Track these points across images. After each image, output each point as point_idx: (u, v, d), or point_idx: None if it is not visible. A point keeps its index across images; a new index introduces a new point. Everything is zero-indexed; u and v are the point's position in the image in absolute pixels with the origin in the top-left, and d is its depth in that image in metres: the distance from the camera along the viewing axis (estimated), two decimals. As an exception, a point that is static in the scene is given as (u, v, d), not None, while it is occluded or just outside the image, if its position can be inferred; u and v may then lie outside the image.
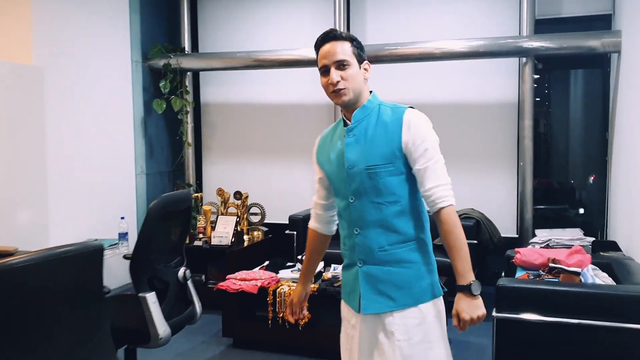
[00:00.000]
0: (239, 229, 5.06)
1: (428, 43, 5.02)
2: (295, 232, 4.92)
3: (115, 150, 5.37)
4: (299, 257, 4.31)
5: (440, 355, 1.94)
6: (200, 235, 5.04)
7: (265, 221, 5.46)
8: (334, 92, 1.98)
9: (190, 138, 5.90)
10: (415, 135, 1.92)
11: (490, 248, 4.88)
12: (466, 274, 1.87)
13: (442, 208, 1.93)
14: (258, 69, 5.55)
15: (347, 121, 2.03)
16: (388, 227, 1.94)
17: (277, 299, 3.88)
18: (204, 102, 6.15)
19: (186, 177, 5.97)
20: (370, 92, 2.09)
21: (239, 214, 5.20)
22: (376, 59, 5.20)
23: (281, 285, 3.97)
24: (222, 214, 5.21)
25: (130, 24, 5.54)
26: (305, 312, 1.97)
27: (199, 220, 5.15)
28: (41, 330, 1.97)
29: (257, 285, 3.95)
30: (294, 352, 3.92)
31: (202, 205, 5.38)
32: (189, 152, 5.94)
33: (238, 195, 5.26)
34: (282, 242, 5.14)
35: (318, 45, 2.05)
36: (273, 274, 4.13)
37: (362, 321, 1.98)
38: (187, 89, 5.82)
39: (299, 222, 4.86)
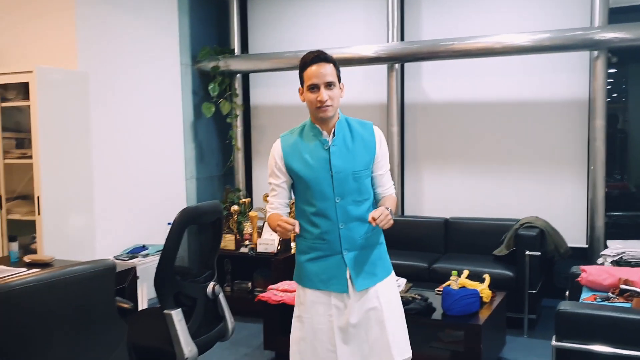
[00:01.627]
0: (286, 236, 4.87)
1: (488, 37, 4.70)
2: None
3: (164, 155, 5.32)
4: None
5: (402, 310, 2.51)
6: (247, 242, 4.90)
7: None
8: (321, 107, 2.32)
9: (239, 142, 5.78)
10: (383, 149, 2.46)
11: (556, 260, 4.48)
12: (390, 208, 2.33)
13: (393, 193, 2.52)
14: (307, 69, 5.34)
15: (324, 131, 2.39)
16: (364, 219, 2.36)
17: (320, 313, 3.66)
18: (253, 105, 6.02)
19: (236, 182, 5.87)
20: None
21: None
22: (432, 55, 4.93)
23: (325, 298, 3.74)
24: (269, 220, 5.04)
25: (179, 27, 5.48)
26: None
27: (246, 227, 5.01)
28: (45, 355, 1.84)
29: (299, 297, 3.74)
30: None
31: (249, 210, 5.24)
32: (239, 156, 5.83)
33: (285, 201, 5.07)
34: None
35: (307, 64, 2.33)
36: (317, 286, 3.91)
37: (354, 298, 2.36)
38: (237, 91, 5.70)
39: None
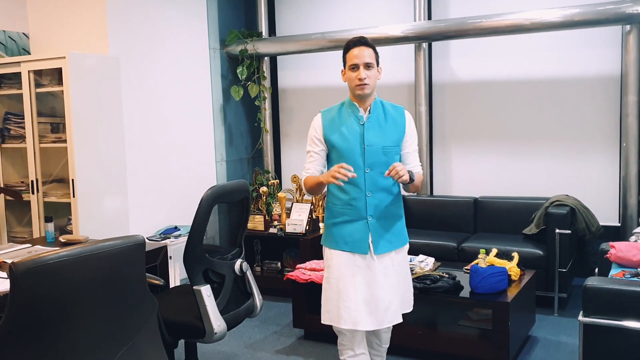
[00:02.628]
0: (314, 216, 4.92)
1: (517, 14, 4.62)
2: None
3: (195, 138, 5.40)
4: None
5: (410, 275, 2.86)
6: (276, 223, 4.96)
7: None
8: (360, 85, 2.59)
9: (268, 124, 5.83)
10: (411, 130, 2.74)
11: (587, 238, 4.42)
12: (414, 177, 2.63)
13: (420, 172, 2.77)
14: (334, 50, 5.34)
15: (361, 109, 2.67)
16: (389, 191, 2.67)
17: (348, 291, 3.70)
18: (281, 87, 6.05)
19: (265, 164, 5.92)
20: None
21: (314, 201, 5.06)
22: (459, 34, 4.88)
23: (352, 277, 3.78)
24: (297, 201, 5.10)
25: (208, 11, 5.53)
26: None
27: (275, 208, 5.07)
28: (77, 328, 1.91)
29: (327, 276, 3.79)
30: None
31: (278, 192, 5.29)
32: (267, 139, 5.88)
33: (314, 181, 5.11)
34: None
35: (350, 47, 2.63)
36: (345, 265, 3.95)
37: (375, 259, 2.63)
38: (265, 74, 5.73)
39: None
